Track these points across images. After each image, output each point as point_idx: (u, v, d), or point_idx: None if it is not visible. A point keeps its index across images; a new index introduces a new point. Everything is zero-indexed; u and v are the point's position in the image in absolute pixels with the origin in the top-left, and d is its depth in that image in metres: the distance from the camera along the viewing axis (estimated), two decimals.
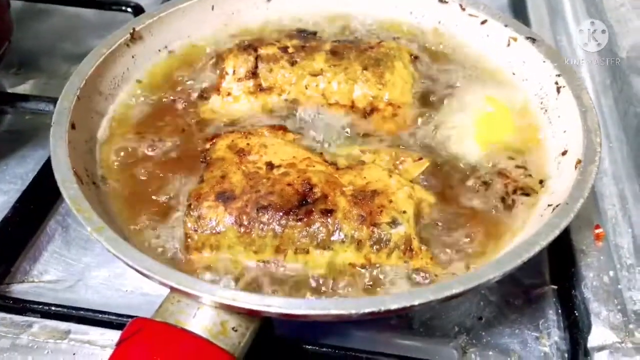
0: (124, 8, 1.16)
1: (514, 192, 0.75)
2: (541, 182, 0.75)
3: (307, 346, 0.71)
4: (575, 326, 0.75)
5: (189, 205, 0.68)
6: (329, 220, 0.66)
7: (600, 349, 0.72)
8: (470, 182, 0.76)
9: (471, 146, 0.80)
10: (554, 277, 0.81)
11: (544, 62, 0.83)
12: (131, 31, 0.86)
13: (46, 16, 1.27)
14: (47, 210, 0.88)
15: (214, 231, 0.67)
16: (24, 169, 0.95)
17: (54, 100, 0.97)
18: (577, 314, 0.76)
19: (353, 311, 0.54)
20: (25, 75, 1.13)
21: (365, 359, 0.71)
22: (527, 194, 0.74)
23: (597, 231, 0.83)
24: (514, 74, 0.87)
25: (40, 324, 0.74)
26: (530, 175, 0.76)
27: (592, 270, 0.79)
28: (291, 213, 0.66)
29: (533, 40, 0.85)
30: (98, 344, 0.72)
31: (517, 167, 0.78)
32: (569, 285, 0.79)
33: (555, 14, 1.18)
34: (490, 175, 0.77)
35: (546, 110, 0.82)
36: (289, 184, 0.68)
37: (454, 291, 0.56)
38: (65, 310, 0.74)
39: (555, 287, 0.80)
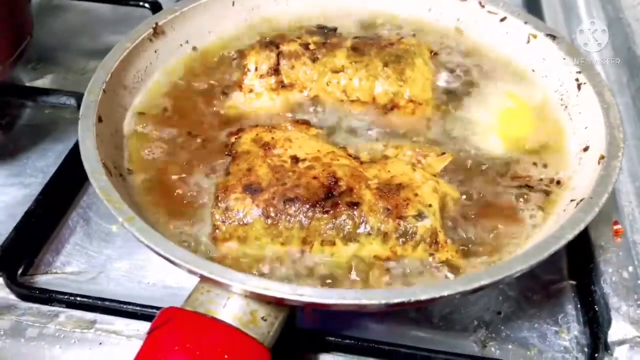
0: (141, 3, 1.17)
1: (536, 187, 0.75)
2: (559, 182, 0.75)
3: (330, 338, 0.71)
4: (595, 321, 0.76)
5: (217, 197, 0.69)
6: (355, 212, 0.67)
7: (621, 343, 0.73)
8: (492, 177, 0.76)
9: (492, 141, 0.80)
10: (572, 272, 0.82)
11: (564, 59, 0.83)
12: (154, 26, 0.87)
13: (61, 12, 1.28)
14: (68, 203, 0.89)
15: (241, 222, 0.67)
16: (45, 162, 0.96)
17: (74, 95, 0.99)
18: (597, 309, 0.76)
19: (383, 301, 0.55)
20: (43, 70, 1.14)
21: (387, 351, 0.71)
22: (548, 190, 0.75)
23: (615, 227, 0.83)
24: (533, 70, 0.88)
25: (66, 314, 0.75)
26: (551, 171, 0.77)
27: (611, 265, 0.80)
28: (317, 205, 0.67)
29: (553, 37, 0.85)
30: (124, 334, 0.73)
31: (538, 162, 0.78)
32: (588, 280, 0.79)
33: (570, 11, 1.19)
34: (511, 170, 0.77)
35: (566, 107, 0.82)
36: (314, 177, 0.69)
37: (482, 283, 0.56)
38: (90, 300, 0.75)
39: (574, 282, 0.81)
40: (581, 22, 1.16)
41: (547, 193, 0.74)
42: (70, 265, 0.83)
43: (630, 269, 0.80)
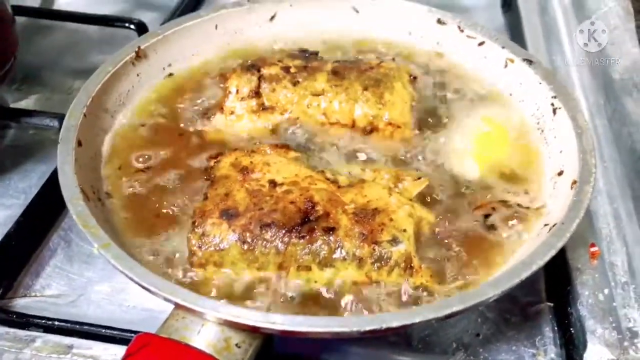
0: (127, 25, 1.18)
1: (511, 212, 0.76)
2: (535, 207, 0.76)
3: None
4: (572, 343, 0.76)
5: (194, 222, 0.69)
6: (330, 238, 0.67)
7: None
8: (468, 202, 0.77)
9: (469, 166, 0.81)
10: (550, 294, 0.83)
11: (540, 83, 0.85)
12: (136, 49, 0.88)
13: (48, 32, 1.29)
14: (50, 225, 0.89)
15: (217, 248, 0.68)
16: (27, 184, 0.96)
17: (57, 116, 0.99)
18: (572, 331, 0.77)
19: (355, 329, 0.55)
20: (27, 90, 1.14)
21: None
22: (523, 214, 0.76)
23: (592, 249, 0.84)
24: (510, 94, 0.89)
25: (43, 339, 0.74)
26: (526, 196, 0.78)
27: (588, 288, 0.80)
28: (294, 231, 0.67)
29: (530, 62, 0.87)
30: (101, 359, 0.73)
31: (514, 186, 0.79)
32: (565, 302, 0.80)
33: (551, 35, 1.21)
34: (487, 195, 0.78)
35: (542, 131, 0.84)
36: (291, 202, 0.70)
37: (454, 309, 0.57)
38: (68, 325, 0.75)
39: (552, 304, 0.82)
40: (562, 46, 1.18)
41: (521, 218, 0.75)
42: (50, 288, 0.83)
43: (606, 291, 0.80)
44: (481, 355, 0.77)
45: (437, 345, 0.77)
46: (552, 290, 0.83)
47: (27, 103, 1.12)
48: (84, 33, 1.27)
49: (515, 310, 0.81)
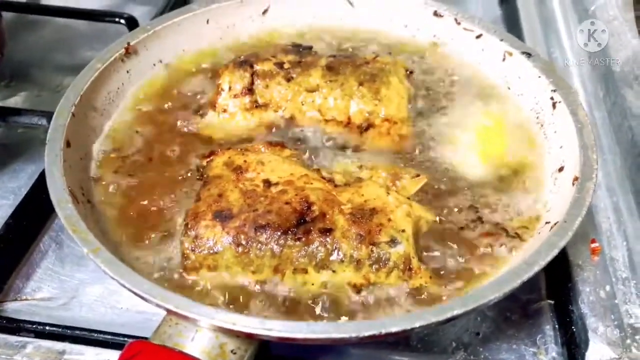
0: (117, 20, 1.15)
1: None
2: (537, 217, 0.74)
3: None
4: (573, 342, 0.75)
5: (186, 225, 0.68)
6: (327, 239, 0.66)
7: None
8: (468, 199, 0.75)
9: (468, 161, 0.80)
10: (550, 292, 0.81)
11: (539, 77, 0.83)
12: (126, 46, 0.86)
13: (37, 27, 1.26)
14: (40, 226, 0.87)
15: (211, 251, 0.66)
16: (17, 184, 0.94)
17: (46, 114, 0.97)
18: (574, 330, 0.76)
19: (354, 335, 0.54)
20: (16, 88, 1.12)
21: None
22: (524, 213, 0.74)
23: (593, 245, 0.83)
24: (509, 88, 0.88)
25: (34, 344, 0.73)
26: (526, 193, 0.76)
27: (589, 285, 0.79)
28: (289, 232, 0.66)
29: (529, 55, 0.85)
30: None
31: (514, 183, 0.78)
32: (565, 300, 0.79)
33: (548, 27, 1.19)
34: (487, 194, 0.77)
35: (542, 125, 0.82)
36: (287, 202, 0.68)
37: (455, 312, 0.56)
38: (60, 329, 0.73)
39: (552, 302, 0.80)
40: (560, 37, 1.16)
41: (522, 216, 0.73)
42: (41, 290, 0.81)
43: (608, 288, 0.79)
44: (481, 355, 0.75)
45: (437, 344, 0.76)
46: (552, 287, 0.82)
47: (15, 101, 1.09)
48: (73, 28, 1.25)
49: (516, 308, 0.80)
